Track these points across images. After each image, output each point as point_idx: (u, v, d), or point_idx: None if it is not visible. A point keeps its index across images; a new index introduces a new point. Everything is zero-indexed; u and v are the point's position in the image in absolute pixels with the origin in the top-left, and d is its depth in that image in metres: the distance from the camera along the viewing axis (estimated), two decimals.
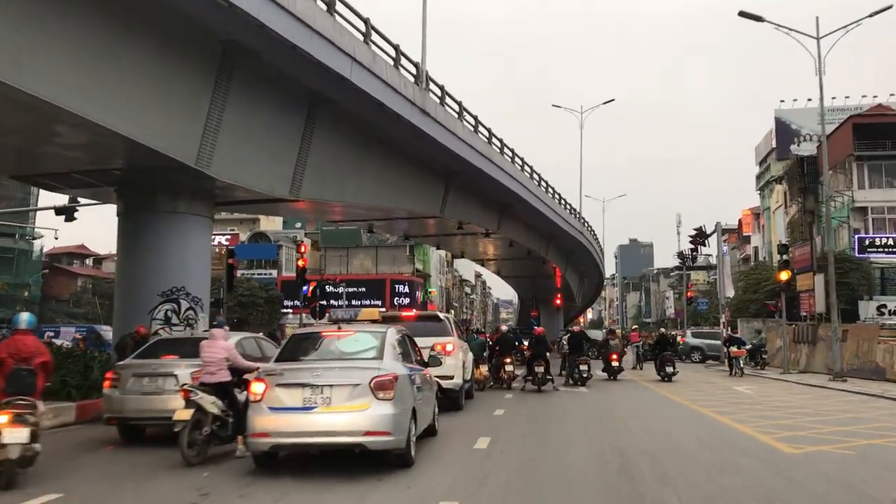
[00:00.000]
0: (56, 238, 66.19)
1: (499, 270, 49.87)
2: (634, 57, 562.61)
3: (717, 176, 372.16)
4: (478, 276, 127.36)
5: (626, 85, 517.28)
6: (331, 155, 16.96)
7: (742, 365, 23.93)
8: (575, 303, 59.37)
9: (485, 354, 17.85)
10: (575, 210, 40.32)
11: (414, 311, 12.26)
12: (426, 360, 9.30)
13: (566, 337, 22.45)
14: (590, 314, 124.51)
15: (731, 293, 28.51)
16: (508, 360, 17.46)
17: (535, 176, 30.47)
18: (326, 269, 63.33)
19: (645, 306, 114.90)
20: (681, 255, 41.40)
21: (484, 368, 17.03)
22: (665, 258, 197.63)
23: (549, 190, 33.32)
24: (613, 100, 45.81)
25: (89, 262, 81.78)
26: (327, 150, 16.79)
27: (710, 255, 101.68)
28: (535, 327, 20.69)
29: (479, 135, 23.08)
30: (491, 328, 73.43)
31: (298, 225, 67.86)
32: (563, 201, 36.41)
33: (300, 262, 21.77)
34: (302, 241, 23.34)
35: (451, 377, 12.21)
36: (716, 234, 28.43)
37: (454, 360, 12.45)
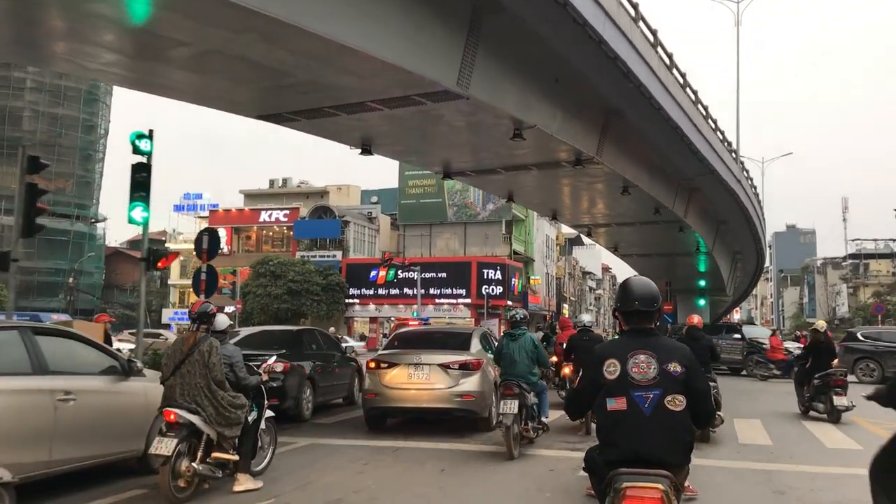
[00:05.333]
0: (100, 220, 60.34)
1: (615, 245, 36.16)
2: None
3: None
4: (605, 269, 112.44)
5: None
6: None
7: None
8: (725, 294, 44.55)
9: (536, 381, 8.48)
10: (730, 144, 26.33)
11: None
12: None
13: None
14: (736, 314, 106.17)
15: None
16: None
17: (661, 53, 17.23)
18: (406, 250, 52.21)
19: (808, 304, 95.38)
20: None
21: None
22: (830, 248, 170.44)
23: (689, 92, 19.88)
24: None
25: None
26: None
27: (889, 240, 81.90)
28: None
29: None
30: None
31: (374, 199, 57.21)
32: (711, 122, 22.72)
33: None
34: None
35: None
36: None
37: None
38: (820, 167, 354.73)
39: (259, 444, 6.69)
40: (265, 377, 6.82)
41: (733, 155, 26.68)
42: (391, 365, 9.62)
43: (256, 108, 12.87)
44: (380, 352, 10.59)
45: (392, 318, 45.83)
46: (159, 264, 10.53)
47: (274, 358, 7.88)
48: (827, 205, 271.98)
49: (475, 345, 10.18)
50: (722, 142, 24.33)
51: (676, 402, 3.19)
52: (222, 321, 6.62)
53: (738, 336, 23.64)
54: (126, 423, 6.36)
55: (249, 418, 6.36)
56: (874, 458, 3.74)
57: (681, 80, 18.88)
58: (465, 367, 9.32)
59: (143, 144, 10.25)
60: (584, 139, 17.20)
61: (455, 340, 10.38)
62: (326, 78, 11.23)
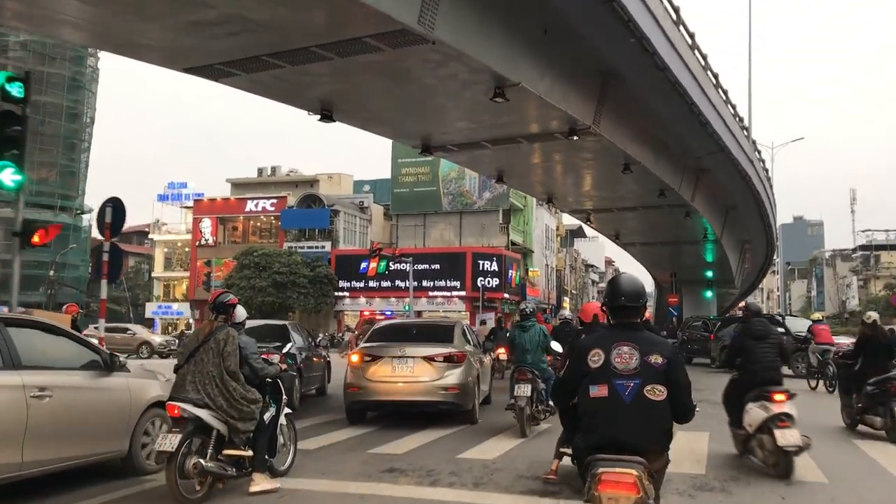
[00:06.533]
0: (86, 211, 58.34)
1: (616, 233, 33.94)
2: None
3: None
4: (609, 262, 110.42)
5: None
6: None
7: None
8: (733, 286, 42.38)
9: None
10: (741, 120, 24.10)
11: None
12: None
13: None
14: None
15: None
16: None
17: (667, 3, 15.00)
18: (399, 241, 50.03)
19: (817, 297, 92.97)
20: None
21: None
22: (838, 240, 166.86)
23: (698, 55, 17.64)
24: None
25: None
26: None
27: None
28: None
29: None
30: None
31: (367, 188, 55.02)
32: (722, 92, 20.49)
33: None
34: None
35: None
36: None
37: None
38: (825, 162, 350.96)
39: (282, 441, 6.40)
40: (283, 367, 6.60)
41: (745, 132, 24.49)
42: (374, 358, 9.48)
43: (180, 56, 10.74)
44: (361, 345, 10.32)
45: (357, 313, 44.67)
46: (36, 239, 8.48)
47: (290, 346, 8.03)
48: (835, 194, 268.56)
49: (458, 337, 10.15)
50: (734, 116, 22.15)
51: (656, 392, 3.28)
52: (241, 313, 6.29)
53: (781, 330, 20.71)
54: (108, 422, 6.01)
55: (267, 415, 6.04)
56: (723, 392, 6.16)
57: (689, 40, 16.69)
58: (450, 360, 9.41)
59: (16, 90, 8.12)
60: (579, 105, 15.08)
61: (437, 333, 10.43)
62: (254, 10, 9.10)
